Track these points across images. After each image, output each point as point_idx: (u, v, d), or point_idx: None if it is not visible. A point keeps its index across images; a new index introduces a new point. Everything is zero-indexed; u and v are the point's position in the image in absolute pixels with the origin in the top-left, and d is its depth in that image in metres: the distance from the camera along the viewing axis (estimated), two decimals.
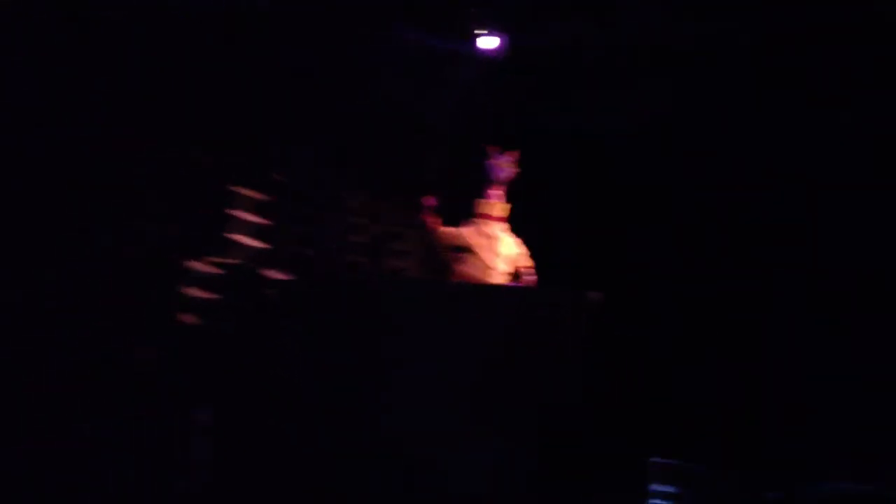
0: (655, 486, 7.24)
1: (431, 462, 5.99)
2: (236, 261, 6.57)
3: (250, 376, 6.17)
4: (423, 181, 7.94)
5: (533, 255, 7.19)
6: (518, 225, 7.16)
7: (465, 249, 7.06)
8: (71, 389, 5.54)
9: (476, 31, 8.05)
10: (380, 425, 6.06)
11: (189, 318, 6.19)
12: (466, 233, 7.10)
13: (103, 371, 5.70)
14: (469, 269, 7.02)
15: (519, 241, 7.20)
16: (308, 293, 6.49)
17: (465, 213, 7.16)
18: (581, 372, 6.22)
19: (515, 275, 7.14)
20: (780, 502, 7.07)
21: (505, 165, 7.10)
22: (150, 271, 6.03)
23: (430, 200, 7.07)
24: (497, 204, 7.13)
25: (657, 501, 7.21)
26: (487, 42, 8.09)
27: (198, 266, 6.31)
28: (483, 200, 7.13)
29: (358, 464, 6.01)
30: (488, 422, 6.04)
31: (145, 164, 6.10)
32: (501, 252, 7.10)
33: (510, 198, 7.13)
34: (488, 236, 7.09)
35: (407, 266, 8.08)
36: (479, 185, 7.11)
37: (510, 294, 6.77)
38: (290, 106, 7.18)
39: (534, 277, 7.13)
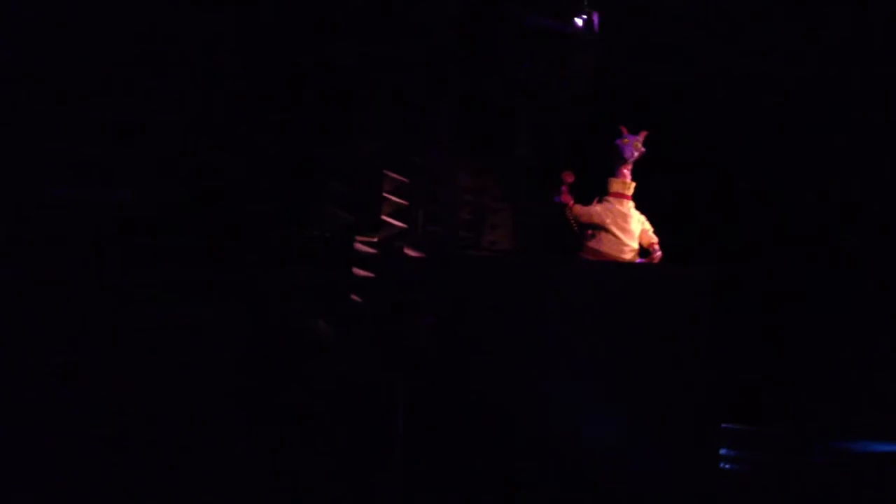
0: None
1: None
2: (384, 240, 6.84)
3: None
4: (519, 156, 8.25)
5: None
6: None
7: (599, 227, 7.23)
8: (260, 362, 5.82)
9: (583, 9, 8.06)
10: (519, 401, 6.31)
11: (357, 297, 6.53)
12: (599, 210, 7.24)
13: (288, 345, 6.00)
14: (603, 246, 7.21)
15: (644, 217, 7.37)
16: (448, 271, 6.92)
17: (597, 190, 7.35)
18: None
19: (645, 251, 7.33)
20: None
21: (635, 144, 7.24)
22: (326, 252, 6.35)
23: (569, 177, 7.24)
24: (628, 182, 7.26)
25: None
26: (592, 19, 8.09)
27: (359, 247, 6.61)
28: (615, 179, 7.27)
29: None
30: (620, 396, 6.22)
31: (317, 151, 6.39)
32: (632, 229, 7.26)
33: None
34: (621, 214, 7.25)
35: (499, 239, 8.32)
36: (610, 163, 7.30)
37: (644, 271, 7.02)
38: (417, 87, 7.33)
39: (660, 253, 7.33)
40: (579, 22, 8.01)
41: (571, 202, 7.28)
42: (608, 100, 8.36)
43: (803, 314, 8.29)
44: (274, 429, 5.78)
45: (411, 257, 7.01)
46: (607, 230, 7.21)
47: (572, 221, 7.28)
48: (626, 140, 7.23)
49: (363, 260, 6.61)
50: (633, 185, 7.31)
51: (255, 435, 5.67)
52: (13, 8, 4.96)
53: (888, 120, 8.16)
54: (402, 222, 7.02)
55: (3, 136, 4.91)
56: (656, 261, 7.29)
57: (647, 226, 7.36)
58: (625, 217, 7.23)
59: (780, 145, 8.48)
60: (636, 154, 7.23)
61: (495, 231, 8.26)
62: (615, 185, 7.28)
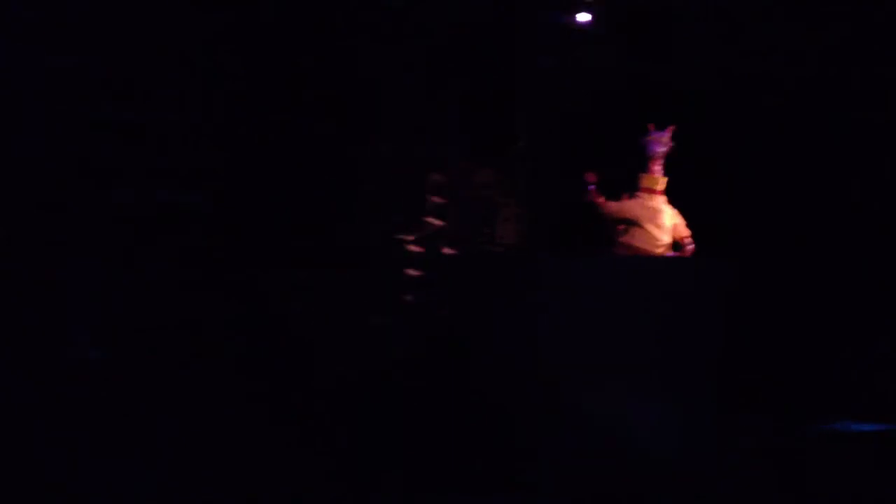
0: None
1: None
2: (426, 239, 7.07)
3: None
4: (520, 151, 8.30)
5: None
6: None
7: (631, 222, 7.28)
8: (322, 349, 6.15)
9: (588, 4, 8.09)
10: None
11: (407, 296, 6.73)
12: (631, 206, 7.33)
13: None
14: (635, 241, 7.27)
15: (676, 211, 7.42)
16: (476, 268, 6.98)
17: (627, 187, 7.40)
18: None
19: (677, 245, 7.39)
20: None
21: (663, 140, 7.29)
22: (377, 253, 6.62)
23: (592, 177, 7.31)
24: (658, 177, 7.28)
25: None
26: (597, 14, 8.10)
27: (410, 247, 6.81)
28: (646, 175, 7.30)
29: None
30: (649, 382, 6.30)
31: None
32: (664, 224, 7.32)
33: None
34: (652, 209, 7.33)
35: (507, 233, 8.38)
36: (640, 160, 7.34)
37: (672, 265, 7.11)
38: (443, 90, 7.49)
39: (692, 246, 7.38)
40: (585, 17, 8.02)
41: (602, 199, 7.32)
42: (608, 99, 8.35)
43: (802, 313, 8.29)
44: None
45: (450, 254, 7.16)
46: (639, 225, 7.27)
47: (606, 217, 7.34)
48: (652, 137, 7.27)
49: (412, 259, 6.76)
50: (664, 180, 7.35)
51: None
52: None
53: (888, 120, 8.14)
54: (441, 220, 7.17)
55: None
56: (688, 254, 7.34)
57: (679, 220, 7.40)
58: (656, 212, 7.29)
59: (780, 145, 8.47)
60: (663, 150, 7.27)
61: (505, 225, 8.31)
62: (645, 181, 7.33)
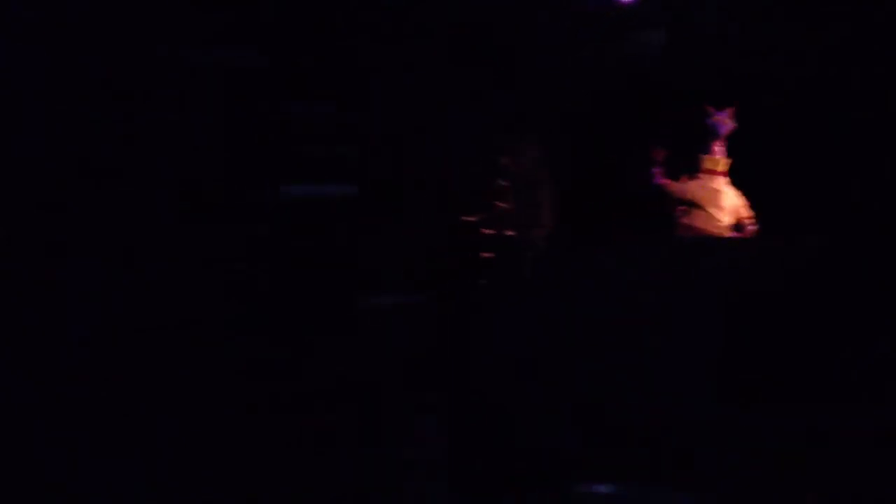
0: None
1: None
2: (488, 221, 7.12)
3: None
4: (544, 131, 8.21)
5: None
6: None
7: (693, 204, 7.35)
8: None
9: None
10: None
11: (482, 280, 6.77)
12: (692, 187, 7.38)
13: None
14: (696, 223, 7.37)
15: (737, 192, 7.47)
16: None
17: (686, 168, 7.51)
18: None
19: (738, 226, 7.45)
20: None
21: (724, 121, 7.38)
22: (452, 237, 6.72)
23: (660, 154, 7.41)
24: (720, 158, 7.35)
25: None
26: None
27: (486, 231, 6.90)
28: (708, 156, 7.38)
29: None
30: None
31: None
32: (726, 206, 7.41)
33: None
34: (713, 190, 7.40)
35: (548, 216, 8.19)
36: (700, 141, 7.45)
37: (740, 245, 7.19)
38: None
39: (755, 227, 7.46)
40: None
41: (666, 181, 7.37)
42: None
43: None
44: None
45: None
46: (701, 207, 7.29)
47: (668, 199, 7.43)
48: (716, 117, 7.37)
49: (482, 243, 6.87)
50: (725, 161, 7.41)
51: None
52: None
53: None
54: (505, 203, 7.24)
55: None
56: (749, 236, 7.40)
57: (740, 201, 7.43)
58: (718, 194, 7.34)
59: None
60: (726, 130, 7.40)
61: (545, 210, 8.35)
62: (708, 163, 7.33)
